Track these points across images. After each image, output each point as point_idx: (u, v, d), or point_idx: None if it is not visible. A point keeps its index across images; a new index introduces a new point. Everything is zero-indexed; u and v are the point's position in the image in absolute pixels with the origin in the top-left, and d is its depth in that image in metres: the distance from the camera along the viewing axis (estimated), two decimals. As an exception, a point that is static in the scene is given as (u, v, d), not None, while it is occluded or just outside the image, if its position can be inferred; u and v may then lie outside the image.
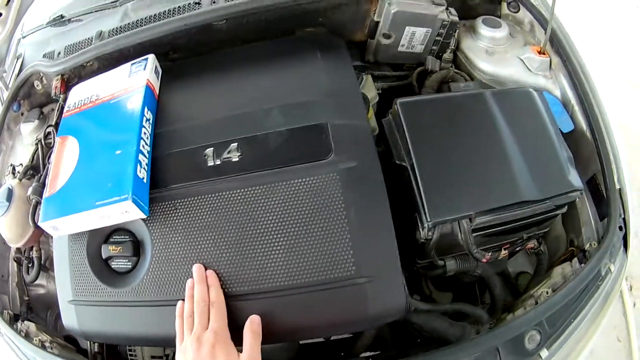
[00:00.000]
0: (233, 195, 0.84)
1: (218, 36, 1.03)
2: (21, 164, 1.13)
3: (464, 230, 0.85)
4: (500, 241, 0.96)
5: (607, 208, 0.94)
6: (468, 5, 1.12)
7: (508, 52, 1.07)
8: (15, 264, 1.16)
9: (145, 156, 0.88)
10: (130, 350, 0.99)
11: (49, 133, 1.10)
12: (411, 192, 0.87)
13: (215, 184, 0.85)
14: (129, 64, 1.00)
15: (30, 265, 1.13)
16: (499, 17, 1.14)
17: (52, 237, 0.96)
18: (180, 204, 0.86)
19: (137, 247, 0.89)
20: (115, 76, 1.01)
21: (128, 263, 0.89)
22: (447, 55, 1.07)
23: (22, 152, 1.16)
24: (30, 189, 1.04)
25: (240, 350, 0.74)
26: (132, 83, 0.97)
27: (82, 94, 1.03)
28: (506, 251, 0.94)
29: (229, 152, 0.87)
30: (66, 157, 0.94)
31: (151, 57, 0.99)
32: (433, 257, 0.92)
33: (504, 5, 1.14)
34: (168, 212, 0.87)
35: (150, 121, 0.93)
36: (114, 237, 0.91)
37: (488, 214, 0.86)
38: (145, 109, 0.92)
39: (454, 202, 0.85)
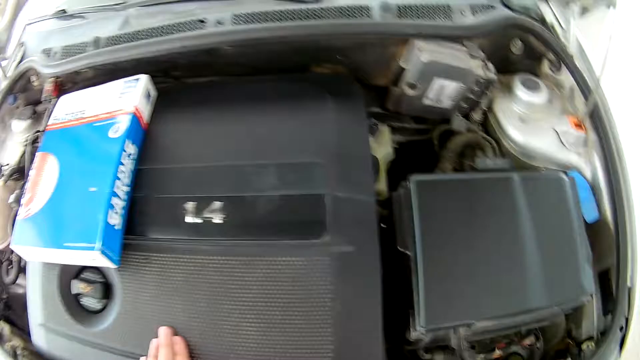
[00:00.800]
0: (210, 262, 0.74)
1: (223, 60, 0.89)
2: (7, 164, 1.04)
3: (459, 336, 0.74)
4: (495, 338, 0.84)
5: (613, 307, 0.83)
6: (507, 58, 0.94)
7: (544, 121, 0.90)
8: (-5, 262, 1.09)
9: (120, 199, 0.78)
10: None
11: (37, 138, 0.99)
12: (408, 284, 0.74)
13: (192, 244, 0.76)
14: (122, 81, 0.87)
15: (9, 267, 1.06)
16: (538, 76, 0.95)
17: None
18: (154, 258, 0.77)
19: (107, 290, 0.81)
20: (105, 93, 0.89)
21: (97, 303, 0.81)
22: (477, 115, 0.90)
23: (12, 150, 1.06)
24: (13, 197, 0.96)
25: None
26: (119, 106, 0.85)
27: (69, 106, 0.92)
28: (500, 351, 0.83)
29: (211, 211, 0.76)
30: (45, 177, 0.85)
31: (143, 78, 0.87)
32: (420, 352, 0.82)
33: (545, 63, 0.95)
34: (140, 264, 0.78)
35: (133, 156, 0.82)
36: (85, 274, 0.82)
37: (489, 320, 0.74)
38: (127, 143, 0.81)
39: (454, 307, 0.73)
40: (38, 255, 0.81)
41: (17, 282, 1.07)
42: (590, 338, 0.83)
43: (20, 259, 1.03)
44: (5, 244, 1.02)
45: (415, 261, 0.73)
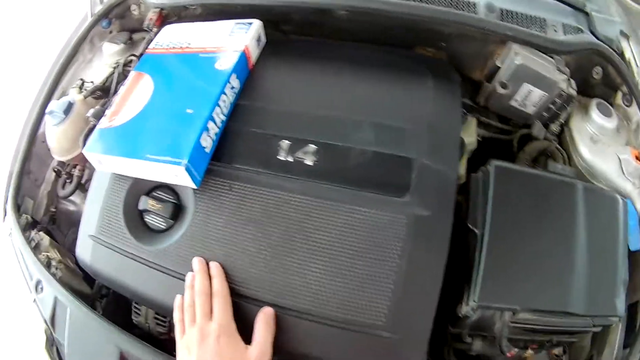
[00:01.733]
0: (292, 199, 0.72)
1: (335, 24, 0.89)
2: (92, 82, 1.01)
3: (504, 321, 0.73)
4: (530, 338, 0.82)
5: (634, 341, 0.82)
6: (588, 82, 0.96)
7: (610, 146, 0.92)
8: (53, 173, 1.05)
9: (216, 125, 0.76)
10: (136, 304, 0.88)
11: (131, 61, 0.98)
12: (468, 260, 0.74)
13: (280, 180, 0.73)
14: (232, 22, 0.87)
15: (68, 180, 1.03)
16: (612, 105, 0.97)
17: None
18: (237, 187, 0.74)
19: (177, 211, 0.78)
20: (214, 30, 0.88)
21: (163, 223, 0.78)
22: (555, 127, 0.92)
23: (97, 71, 1.05)
24: (92, 111, 0.93)
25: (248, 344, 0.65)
26: (228, 43, 0.84)
27: (174, 35, 0.90)
28: (532, 351, 0.81)
29: (304, 153, 0.74)
30: (135, 94, 0.83)
31: (256, 23, 0.86)
32: (464, 333, 0.80)
33: (619, 95, 0.97)
34: (221, 190, 0.75)
35: (235, 90, 0.81)
36: (158, 192, 0.80)
37: (531, 313, 0.73)
38: (233, 76, 0.79)
39: (507, 290, 0.71)
40: (112, 165, 0.78)
41: (71, 197, 1.03)
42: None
43: (82, 175, 1.00)
44: (70, 157, 0.99)
45: (481, 239, 0.72)
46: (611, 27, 0.96)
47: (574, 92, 0.89)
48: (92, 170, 1.01)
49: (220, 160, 0.76)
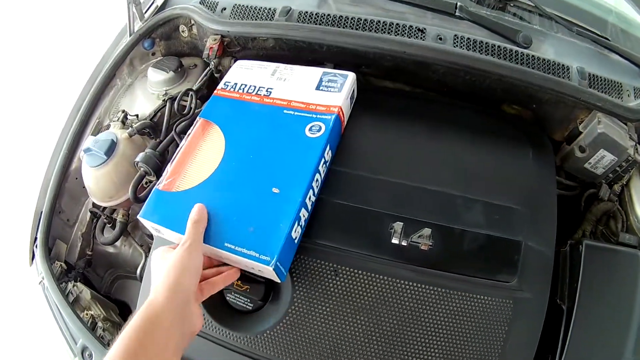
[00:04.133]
0: (408, 287, 0.59)
1: (428, 75, 0.72)
2: (136, 115, 0.78)
3: None
4: None
5: None
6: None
7: None
8: (89, 213, 0.82)
9: (307, 210, 0.59)
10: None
11: (185, 95, 0.74)
12: (554, 334, 0.67)
13: (393, 267, 0.60)
14: (320, 71, 0.68)
15: (109, 224, 0.80)
16: None
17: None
18: (343, 271, 0.60)
19: (268, 292, 0.61)
20: (299, 78, 0.68)
21: (249, 304, 0.62)
22: (617, 188, 0.85)
23: (141, 100, 0.81)
24: (141, 156, 0.72)
25: None
26: (319, 100, 0.65)
27: (249, 76, 0.70)
28: None
29: (419, 237, 0.61)
30: (204, 151, 0.65)
31: (351, 77, 0.68)
32: None
33: None
34: (323, 274, 0.60)
35: (328, 163, 0.63)
36: (248, 272, 0.61)
37: None
38: (327, 148, 0.61)
39: None
40: (174, 237, 0.59)
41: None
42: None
43: (125, 222, 0.78)
44: (113, 203, 0.77)
45: (569, 314, 0.66)
46: None
47: (639, 158, 0.81)
48: (137, 211, 0.81)
49: (321, 239, 0.60)
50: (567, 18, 0.80)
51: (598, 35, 0.78)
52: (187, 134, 0.66)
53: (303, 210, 0.57)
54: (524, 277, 0.61)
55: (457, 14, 0.69)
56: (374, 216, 0.61)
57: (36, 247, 0.78)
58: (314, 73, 0.68)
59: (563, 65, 0.74)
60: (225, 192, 0.58)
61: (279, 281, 0.56)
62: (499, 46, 0.71)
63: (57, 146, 0.80)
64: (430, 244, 0.60)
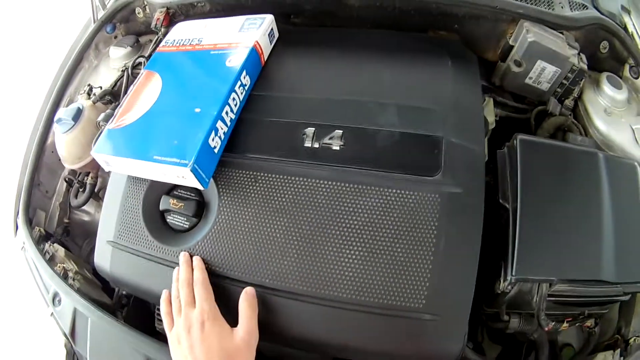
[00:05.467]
0: (322, 185, 0.66)
1: (347, 12, 0.85)
2: (100, 87, 0.95)
3: (541, 294, 0.69)
4: (563, 311, 0.78)
5: None
6: (597, 57, 0.94)
7: (623, 117, 0.89)
8: (65, 183, 0.98)
9: (225, 124, 0.70)
10: (158, 310, 0.81)
11: (139, 63, 0.92)
12: (503, 236, 0.70)
13: (307, 168, 0.67)
14: (243, 17, 0.81)
15: (81, 189, 0.95)
16: (621, 78, 0.95)
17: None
18: (262, 177, 0.68)
19: (200, 208, 0.71)
20: (225, 26, 0.82)
21: (186, 222, 0.71)
22: (569, 102, 0.89)
23: (105, 76, 0.99)
24: (102, 115, 0.87)
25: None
26: (239, 39, 0.78)
27: (184, 33, 0.84)
28: (567, 324, 0.78)
29: (330, 138, 0.69)
30: (145, 94, 0.77)
31: (269, 17, 0.80)
32: (501, 310, 0.76)
33: (627, 67, 0.95)
34: (246, 183, 0.69)
35: (246, 87, 0.75)
36: (179, 190, 0.73)
37: (566, 284, 0.69)
38: (243, 73, 0.74)
39: (543, 262, 0.67)
40: (121, 166, 0.72)
41: (84, 207, 0.96)
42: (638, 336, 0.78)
43: (95, 183, 0.93)
44: (82, 164, 0.92)
45: (514, 213, 0.68)
46: (613, 2, 0.94)
47: (584, 66, 0.86)
48: (106, 177, 0.95)
49: (242, 152, 0.70)
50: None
51: None
52: (133, 84, 0.81)
53: (220, 123, 0.68)
54: (450, 172, 0.65)
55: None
56: (288, 126, 0.70)
57: (19, 218, 0.92)
58: (238, 20, 0.81)
59: None
60: (158, 119, 0.71)
61: (202, 188, 0.66)
62: None
63: (35, 126, 0.96)
64: (342, 143, 0.67)
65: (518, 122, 0.89)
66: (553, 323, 0.74)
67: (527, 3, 0.84)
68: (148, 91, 0.77)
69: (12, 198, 0.97)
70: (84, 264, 0.93)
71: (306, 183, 0.66)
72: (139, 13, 0.99)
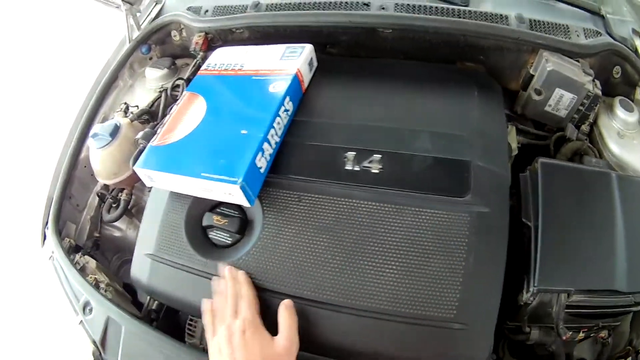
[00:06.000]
0: (362, 206, 0.73)
1: (381, 43, 0.92)
2: (137, 106, 1.02)
3: (560, 303, 0.76)
4: (579, 324, 0.84)
5: None
6: (610, 82, 1.01)
7: (635, 139, 0.97)
8: (97, 198, 1.03)
9: (270, 146, 0.76)
10: (191, 320, 0.86)
11: (178, 85, 0.99)
12: (526, 252, 0.77)
13: (349, 189, 0.74)
14: (284, 46, 0.89)
15: (114, 205, 1.01)
16: (632, 101, 1.02)
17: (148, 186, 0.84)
18: (306, 197, 0.74)
19: (243, 225, 0.77)
20: (266, 53, 0.89)
21: (228, 238, 0.77)
22: (585, 127, 0.96)
23: (141, 95, 1.05)
24: (142, 133, 0.93)
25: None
26: (281, 66, 0.85)
27: (226, 58, 0.92)
28: (583, 334, 0.84)
29: (370, 162, 0.76)
30: (189, 114, 0.83)
31: (309, 47, 0.88)
32: (523, 322, 0.82)
33: (638, 90, 1.03)
34: (290, 202, 0.75)
35: (289, 112, 0.81)
36: (223, 208, 0.79)
37: (583, 294, 0.76)
38: (287, 99, 0.80)
39: (562, 274, 0.74)
40: (164, 182, 0.78)
41: (116, 223, 1.02)
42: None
43: (129, 200, 0.99)
44: (116, 180, 0.98)
45: (535, 230, 0.76)
46: (624, 26, 1.02)
47: (599, 92, 0.93)
48: (139, 195, 1.01)
49: (285, 174, 0.76)
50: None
51: None
52: (176, 104, 0.88)
53: (266, 144, 0.74)
54: (478, 193, 0.71)
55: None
56: (330, 150, 0.76)
57: (47, 228, 0.95)
58: (279, 48, 0.88)
59: (501, 15, 0.89)
60: (204, 139, 0.77)
61: (248, 205, 0.72)
62: (437, 7, 0.89)
63: (67, 139, 1.00)
64: (380, 167, 0.74)
65: (538, 149, 0.96)
66: (570, 332, 0.80)
67: (545, 33, 0.92)
68: (192, 112, 0.83)
69: (39, 208, 1.02)
70: (115, 277, 0.98)
71: (347, 203, 0.72)
72: (175, 36, 1.06)
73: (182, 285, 0.77)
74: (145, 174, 0.78)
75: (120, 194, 0.99)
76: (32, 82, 2.60)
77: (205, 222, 0.78)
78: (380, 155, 0.75)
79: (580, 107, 0.94)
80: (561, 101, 0.93)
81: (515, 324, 0.84)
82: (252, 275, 0.72)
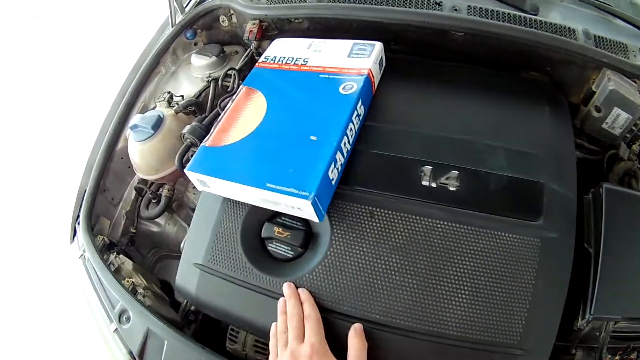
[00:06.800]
0: (439, 226, 0.67)
1: (449, 45, 0.86)
2: (182, 96, 0.92)
3: (608, 330, 0.74)
4: (615, 345, 0.83)
5: None
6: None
7: None
8: (134, 192, 0.94)
9: (343, 155, 0.69)
10: (233, 330, 0.80)
11: (228, 75, 0.89)
12: (584, 277, 0.74)
13: (424, 207, 0.68)
14: (350, 42, 0.81)
15: (154, 200, 0.92)
16: None
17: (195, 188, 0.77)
18: (379, 213, 0.69)
19: (307, 239, 0.71)
20: (331, 48, 0.82)
21: (290, 252, 0.71)
22: (636, 147, 0.93)
23: (186, 84, 0.96)
24: (188, 127, 0.85)
25: None
26: (351, 65, 0.78)
27: (286, 50, 0.83)
28: (619, 357, 0.83)
29: (447, 178, 0.70)
30: (247, 112, 0.76)
31: (379, 45, 0.80)
32: (572, 345, 0.79)
33: None
34: (361, 217, 0.69)
35: (360, 117, 0.75)
36: (283, 218, 0.72)
37: (628, 321, 0.75)
38: (359, 103, 0.73)
39: (618, 303, 0.72)
40: (220, 188, 0.70)
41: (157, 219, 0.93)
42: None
43: (171, 196, 0.90)
44: (158, 176, 0.90)
45: (596, 257, 0.73)
46: None
47: (652, 114, 0.91)
48: (182, 190, 0.92)
49: (356, 185, 0.70)
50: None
51: (601, 1, 0.91)
52: (231, 100, 0.79)
53: (339, 154, 0.67)
54: (549, 217, 0.68)
55: (470, -15, 0.83)
56: (405, 162, 0.70)
57: (78, 224, 0.88)
58: (346, 44, 0.80)
59: (569, 27, 0.85)
60: (267, 142, 0.70)
61: (318, 221, 0.66)
62: (509, 13, 0.83)
63: (103, 127, 0.93)
64: (458, 184, 0.69)
65: (591, 164, 0.93)
66: (610, 356, 0.78)
67: (608, 51, 0.88)
68: (250, 109, 0.76)
69: (70, 200, 0.93)
70: (152, 277, 0.91)
71: (423, 222, 0.67)
72: (223, 21, 0.96)
73: (235, 300, 0.71)
74: (198, 178, 0.71)
75: (160, 189, 0.91)
76: (64, 65, 2.40)
77: (264, 234, 0.72)
78: (457, 172, 0.70)
79: (633, 127, 0.91)
80: (617, 120, 0.90)
81: (562, 344, 0.80)
82: (317, 295, 0.67)
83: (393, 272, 0.66)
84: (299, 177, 0.64)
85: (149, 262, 0.96)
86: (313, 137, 0.68)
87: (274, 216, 0.73)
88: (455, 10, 0.82)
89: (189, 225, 0.89)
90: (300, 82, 0.77)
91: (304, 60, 0.80)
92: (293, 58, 0.81)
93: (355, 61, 0.78)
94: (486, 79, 0.84)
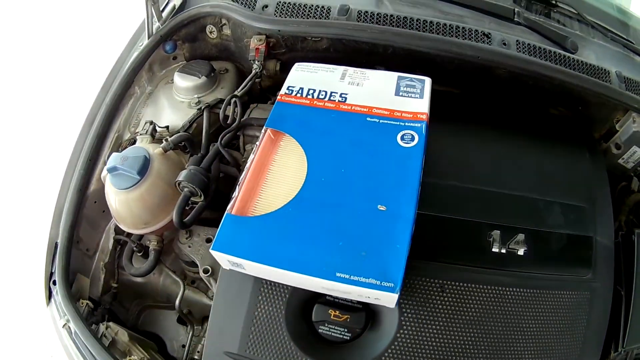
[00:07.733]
0: (509, 293, 0.62)
1: (488, 79, 0.77)
2: (167, 127, 0.69)
3: (631, 355, 0.77)
4: None
5: None
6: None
7: None
8: (111, 240, 0.73)
9: (414, 225, 0.57)
10: None
11: (222, 101, 0.68)
12: (614, 315, 0.74)
13: (495, 275, 0.62)
14: (394, 75, 0.67)
15: (138, 253, 0.71)
16: None
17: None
18: (450, 286, 0.61)
19: (368, 319, 0.60)
20: (373, 82, 0.67)
21: (347, 333, 0.59)
22: None
23: (168, 111, 0.74)
24: (185, 174, 0.67)
25: None
26: (402, 107, 0.64)
27: (315, 80, 0.68)
28: None
29: (516, 243, 0.64)
30: (280, 165, 0.60)
31: (428, 82, 0.68)
32: None
33: None
34: (431, 292, 0.60)
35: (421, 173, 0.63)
36: (336, 298, 0.60)
37: None
38: (423, 160, 0.61)
39: None
40: (260, 271, 0.55)
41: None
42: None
43: (160, 249, 0.70)
44: (148, 230, 0.69)
45: (628, 297, 0.74)
46: None
47: (663, 151, 0.98)
48: (171, 237, 0.73)
49: (424, 256, 0.60)
50: (602, 24, 0.89)
51: (627, 40, 0.89)
52: (256, 146, 0.61)
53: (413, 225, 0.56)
54: (596, 270, 0.68)
55: (515, 19, 0.75)
56: (471, 227, 0.63)
57: (54, 283, 0.69)
58: (389, 77, 0.67)
59: (604, 69, 0.83)
60: (320, 213, 0.54)
61: (393, 307, 0.54)
62: (554, 52, 0.78)
63: (70, 164, 0.71)
64: (525, 248, 0.64)
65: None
66: None
67: (635, 93, 0.86)
68: (284, 162, 0.61)
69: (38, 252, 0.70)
70: (147, 342, 0.74)
71: (495, 291, 0.61)
72: (211, 32, 0.74)
73: None
74: (230, 260, 0.54)
75: (148, 243, 0.70)
76: (22, 81, 1.73)
77: (316, 317, 0.60)
78: (523, 235, 0.65)
79: (644, 162, 0.97)
80: (632, 156, 0.92)
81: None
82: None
83: (468, 348, 0.59)
84: (377, 262, 0.51)
85: (133, 314, 0.79)
86: (381, 207, 0.55)
87: (320, 295, 0.59)
88: (504, 44, 0.75)
89: (176, 275, 0.77)
90: (343, 127, 0.62)
91: (341, 96, 0.64)
92: (326, 92, 0.65)
93: (406, 102, 0.65)
94: (526, 121, 0.79)
